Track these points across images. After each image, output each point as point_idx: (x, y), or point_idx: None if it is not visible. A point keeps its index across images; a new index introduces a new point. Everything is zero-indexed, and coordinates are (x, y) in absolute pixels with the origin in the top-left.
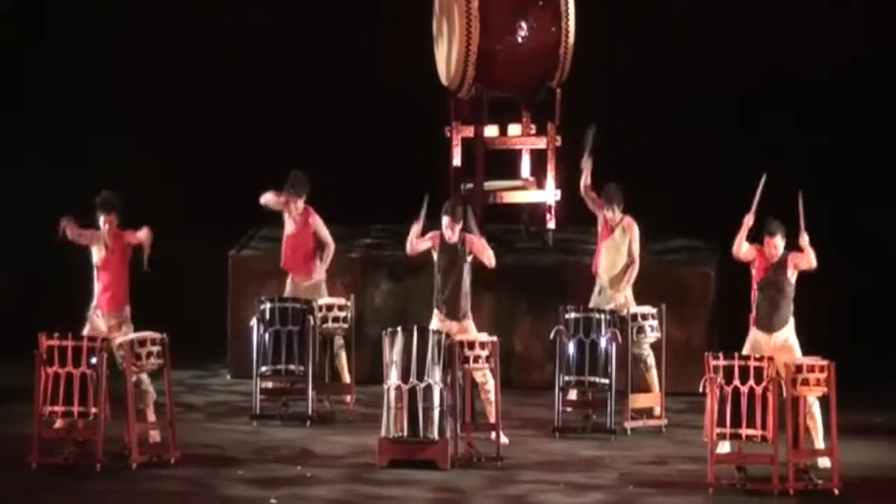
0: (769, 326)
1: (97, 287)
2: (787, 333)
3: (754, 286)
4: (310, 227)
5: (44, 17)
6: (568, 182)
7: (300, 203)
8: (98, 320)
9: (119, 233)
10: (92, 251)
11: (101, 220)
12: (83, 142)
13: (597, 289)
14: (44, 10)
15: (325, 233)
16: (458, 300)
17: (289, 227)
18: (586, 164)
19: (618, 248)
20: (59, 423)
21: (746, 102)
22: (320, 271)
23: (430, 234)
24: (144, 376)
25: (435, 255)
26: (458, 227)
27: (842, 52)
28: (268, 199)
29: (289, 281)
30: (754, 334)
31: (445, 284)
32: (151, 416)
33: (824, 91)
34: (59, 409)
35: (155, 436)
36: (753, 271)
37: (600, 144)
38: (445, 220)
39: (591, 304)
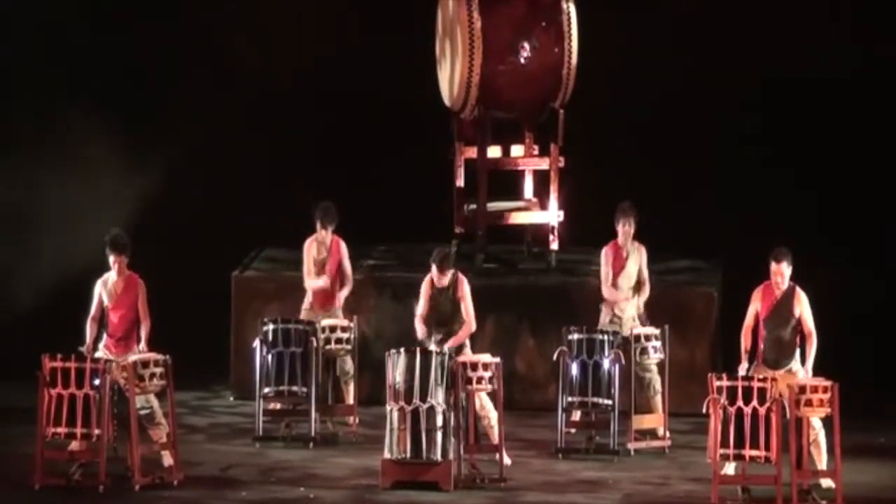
0: (775, 364)
1: (108, 326)
2: (792, 366)
3: (761, 322)
4: (335, 258)
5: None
6: (570, 203)
7: (329, 235)
8: (106, 355)
9: (130, 277)
10: (103, 295)
11: (112, 259)
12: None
13: (607, 318)
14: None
15: (348, 266)
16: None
17: (316, 256)
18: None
19: (632, 276)
20: (74, 445)
21: (749, 119)
22: (340, 300)
23: (424, 286)
24: (156, 405)
25: (432, 296)
26: (448, 273)
27: (844, 60)
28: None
29: (307, 304)
30: (760, 367)
31: (441, 324)
32: (162, 440)
33: (827, 102)
34: (62, 430)
35: (168, 458)
36: (759, 309)
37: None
38: (434, 271)
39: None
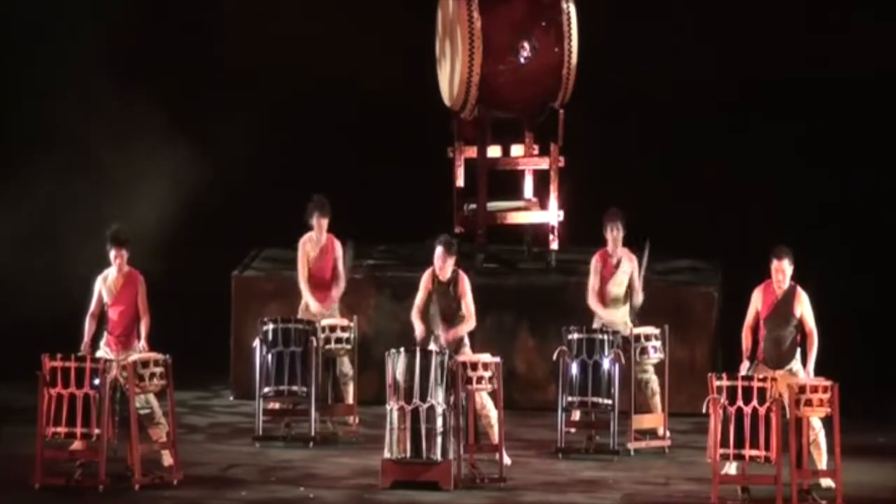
0: (776, 363)
1: (108, 323)
2: (793, 366)
3: (761, 321)
4: (331, 256)
5: None
6: (570, 203)
7: (324, 228)
8: (107, 355)
9: (131, 273)
10: (103, 291)
11: (112, 254)
12: (93, 156)
13: (598, 324)
14: None
15: (341, 268)
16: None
17: (312, 254)
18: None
19: (622, 284)
20: (74, 445)
21: (749, 119)
22: (335, 299)
23: (424, 279)
24: (156, 405)
25: (432, 291)
26: (451, 261)
27: (845, 60)
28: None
29: (304, 305)
30: (760, 367)
31: (442, 321)
32: (162, 439)
33: (828, 102)
34: (62, 430)
35: (168, 458)
36: (760, 308)
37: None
38: (439, 250)
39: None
